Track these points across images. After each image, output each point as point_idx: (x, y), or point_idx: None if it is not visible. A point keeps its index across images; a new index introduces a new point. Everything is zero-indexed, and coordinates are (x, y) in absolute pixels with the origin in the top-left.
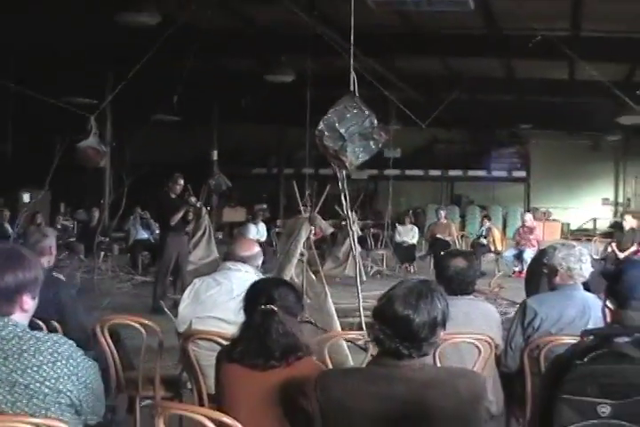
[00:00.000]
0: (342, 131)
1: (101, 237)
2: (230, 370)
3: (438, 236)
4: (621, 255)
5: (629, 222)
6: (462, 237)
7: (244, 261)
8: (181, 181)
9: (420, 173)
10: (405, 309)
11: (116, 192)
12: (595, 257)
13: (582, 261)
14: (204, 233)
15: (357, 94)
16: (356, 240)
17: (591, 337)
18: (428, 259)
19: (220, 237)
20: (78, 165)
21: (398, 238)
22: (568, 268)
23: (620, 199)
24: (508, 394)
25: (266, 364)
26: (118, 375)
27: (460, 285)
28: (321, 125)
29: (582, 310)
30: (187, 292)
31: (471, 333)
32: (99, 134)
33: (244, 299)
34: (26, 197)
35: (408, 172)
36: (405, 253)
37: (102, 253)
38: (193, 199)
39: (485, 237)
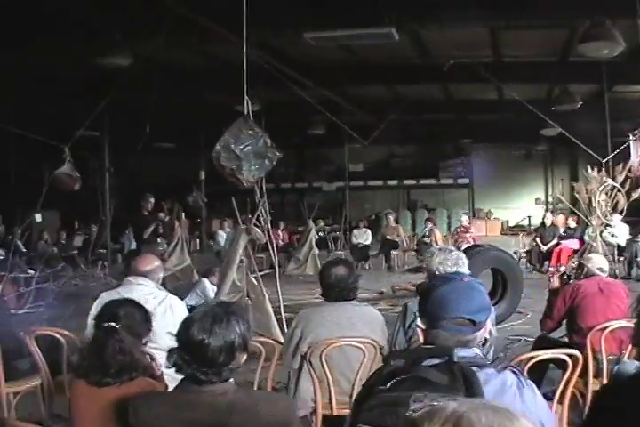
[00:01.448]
0: (237, 151)
1: (99, 249)
2: (76, 385)
3: (388, 237)
4: (544, 248)
5: (550, 219)
6: (409, 237)
7: (144, 275)
8: (152, 200)
9: (379, 183)
10: (200, 333)
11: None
12: (521, 250)
13: (459, 265)
14: (177, 243)
15: (251, 117)
16: (314, 243)
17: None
18: (379, 257)
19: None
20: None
21: (354, 240)
22: (445, 272)
23: (550, 199)
24: None
25: (102, 380)
26: (48, 379)
27: (341, 291)
28: (218, 147)
29: None
30: (95, 304)
31: (355, 336)
32: (77, 162)
33: (94, 316)
34: (38, 218)
35: (370, 182)
36: (360, 253)
37: (100, 263)
38: (162, 215)
39: (428, 237)
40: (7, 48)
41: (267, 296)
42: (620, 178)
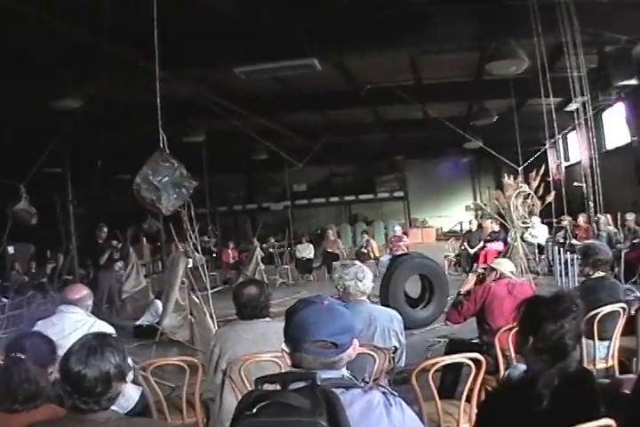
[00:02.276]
0: (156, 182)
1: (66, 276)
2: None
3: (329, 250)
4: (472, 251)
5: (475, 224)
6: (350, 248)
7: (74, 303)
8: (105, 229)
9: (322, 200)
10: (77, 365)
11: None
12: (451, 254)
13: (358, 279)
14: (132, 267)
15: (167, 151)
16: (259, 259)
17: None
18: (322, 269)
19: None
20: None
21: (298, 255)
22: (344, 285)
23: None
24: None
25: (11, 407)
26: None
27: (253, 310)
28: (137, 179)
29: (369, 323)
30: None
31: (270, 351)
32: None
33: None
34: (11, 249)
35: (313, 200)
36: (304, 266)
37: None
38: (114, 242)
39: (365, 248)
40: None
41: (207, 313)
42: (535, 183)
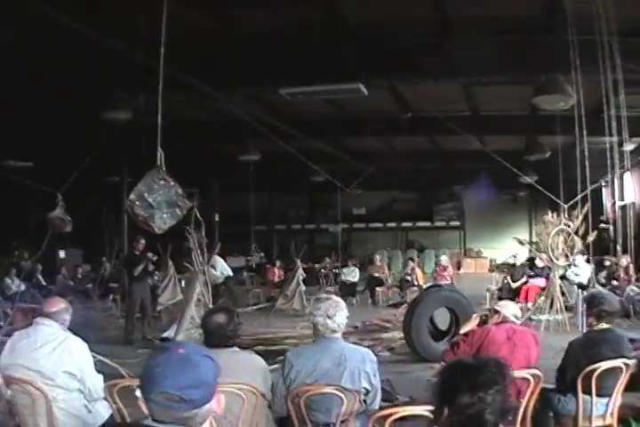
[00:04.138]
0: (151, 200)
1: (112, 284)
2: None
3: (375, 275)
4: (514, 285)
5: (520, 259)
6: (392, 274)
7: (49, 316)
8: (142, 241)
9: (379, 225)
10: None
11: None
12: (493, 287)
13: (328, 316)
14: (170, 280)
15: (164, 168)
16: (300, 280)
17: None
18: (365, 292)
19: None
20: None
21: (343, 278)
22: (313, 322)
23: (534, 239)
24: None
25: None
26: None
27: (220, 338)
28: (132, 196)
29: (338, 362)
30: (9, 342)
31: (234, 383)
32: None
33: None
34: (62, 254)
35: (371, 224)
36: (348, 289)
37: (111, 296)
38: (150, 254)
39: (410, 275)
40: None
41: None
42: (577, 222)
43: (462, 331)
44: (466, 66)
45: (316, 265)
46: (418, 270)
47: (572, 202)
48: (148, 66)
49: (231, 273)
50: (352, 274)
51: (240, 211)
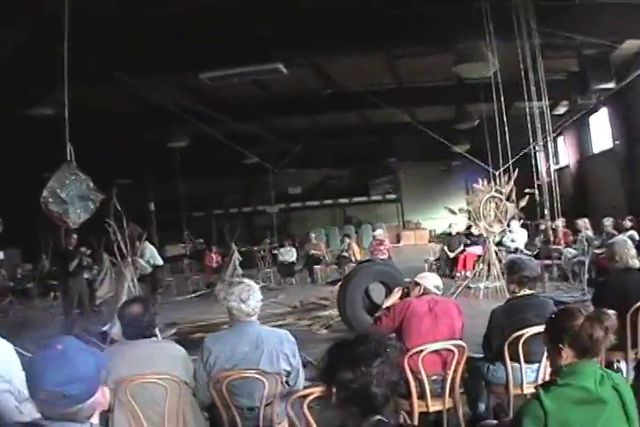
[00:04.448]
0: (64, 196)
1: (51, 282)
2: None
3: (311, 253)
4: (451, 255)
5: (455, 229)
6: (331, 252)
7: None
8: (75, 236)
9: (316, 203)
10: None
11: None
12: (430, 258)
13: (242, 300)
14: (106, 273)
15: (74, 163)
16: (237, 264)
17: None
18: (303, 272)
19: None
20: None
21: (280, 258)
22: (228, 307)
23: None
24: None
25: None
26: None
27: (137, 329)
28: (45, 193)
29: (255, 345)
30: None
31: (156, 373)
32: None
33: None
34: (1, 255)
35: (308, 203)
36: (286, 270)
37: (52, 294)
38: (83, 249)
39: (347, 251)
40: None
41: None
42: (507, 188)
43: (385, 305)
44: (384, 38)
45: (255, 247)
46: (354, 246)
47: (502, 168)
48: (69, 59)
49: (160, 262)
50: (289, 254)
51: (176, 199)
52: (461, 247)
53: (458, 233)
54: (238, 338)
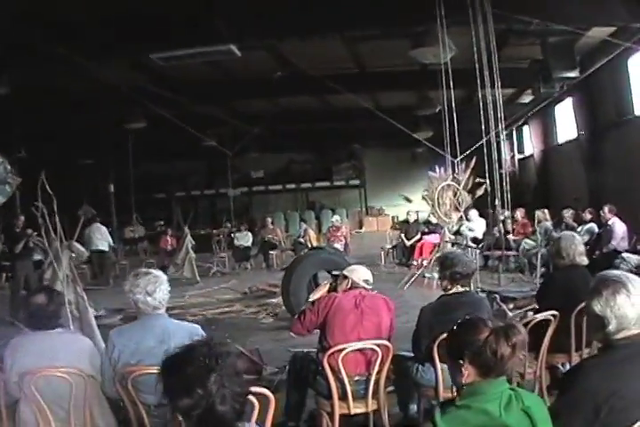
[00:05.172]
0: None
1: (3, 262)
2: None
3: (267, 237)
4: (408, 243)
5: (413, 216)
6: (287, 237)
7: None
8: (22, 217)
9: (279, 187)
10: None
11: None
12: (387, 245)
13: (148, 293)
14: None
15: None
16: (190, 248)
17: None
18: (258, 257)
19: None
20: None
21: (236, 242)
22: (134, 299)
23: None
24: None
25: None
26: None
27: (41, 320)
28: None
29: (161, 339)
30: None
31: (60, 366)
32: None
33: None
34: None
35: (271, 187)
36: (241, 254)
37: (4, 275)
38: (30, 231)
39: (303, 237)
40: None
41: (89, 309)
42: (465, 176)
43: (311, 298)
44: (339, 20)
45: (215, 231)
46: (311, 232)
47: (461, 156)
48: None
49: (105, 247)
50: (245, 238)
51: (136, 181)
52: (418, 235)
53: (416, 221)
54: (143, 332)
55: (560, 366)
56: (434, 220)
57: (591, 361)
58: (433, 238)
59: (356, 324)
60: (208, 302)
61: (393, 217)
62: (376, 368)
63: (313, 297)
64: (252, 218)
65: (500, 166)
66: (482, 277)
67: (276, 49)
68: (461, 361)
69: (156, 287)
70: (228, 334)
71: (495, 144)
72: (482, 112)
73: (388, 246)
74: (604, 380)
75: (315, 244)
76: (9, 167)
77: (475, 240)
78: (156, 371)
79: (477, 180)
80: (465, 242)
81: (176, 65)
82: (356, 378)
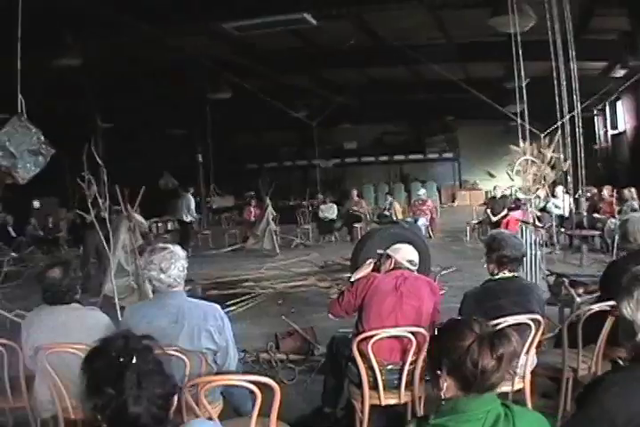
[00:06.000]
0: (12, 149)
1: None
2: None
3: (352, 209)
4: (494, 219)
5: (500, 191)
6: (374, 210)
7: None
8: (94, 188)
9: (372, 159)
10: None
11: None
12: (473, 221)
13: (162, 270)
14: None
15: (25, 115)
16: (270, 219)
17: None
18: (343, 230)
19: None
20: None
21: (321, 215)
22: (148, 276)
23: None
24: None
25: None
26: None
27: (55, 294)
28: None
29: (175, 320)
30: None
31: (72, 343)
32: None
33: None
34: (36, 204)
35: (363, 159)
36: (326, 227)
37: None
38: (101, 201)
39: (389, 210)
40: None
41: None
42: (549, 151)
43: (353, 278)
44: None
45: (303, 202)
46: (396, 205)
47: (549, 131)
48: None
49: (192, 218)
50: (330, 210)
51: (227, 151)
52: (505, 211)
53: (504, 196)
54: (157, 311)
55: (621, 362)
56: (521, 195)
57: (616, 375)
58: (519, 215)
59: (394, 307)
60: (282, 275)
61: (487, 192)
62: (410, 357)
63: (354, 277)
64: (344, 190)
65: (594, 142)
66: (566, 257)
67: (355, 18)
68: (439, 371)
69: (170, 264)
70: (294, 309)
71: (579, 120)
72: (557, 87)
73: (474, 222)
74: (627, 399)
75: (400, 216)
76: (42, 138)
77: (560, 218)
78: (169, 352)
79: (560, 155)
80: (550, 220)
81: (262, 35)
82: (390, 367)
